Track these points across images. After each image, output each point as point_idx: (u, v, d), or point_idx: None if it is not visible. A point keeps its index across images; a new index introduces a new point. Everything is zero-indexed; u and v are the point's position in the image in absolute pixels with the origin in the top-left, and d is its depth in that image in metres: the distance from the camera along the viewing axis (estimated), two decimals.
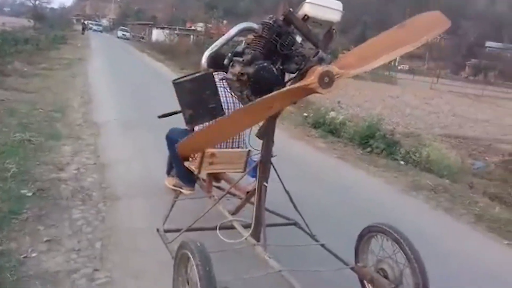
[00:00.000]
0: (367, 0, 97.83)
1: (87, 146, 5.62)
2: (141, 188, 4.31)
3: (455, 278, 3.25)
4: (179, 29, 46.18)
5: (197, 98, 2.49)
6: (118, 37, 53.83)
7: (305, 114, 10.43)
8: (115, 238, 3.32)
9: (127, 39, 52.27)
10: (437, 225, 4.41)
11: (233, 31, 2.73)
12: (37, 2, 60.27)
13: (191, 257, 2.06)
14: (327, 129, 8.74)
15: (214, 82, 2.55)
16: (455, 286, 3.18)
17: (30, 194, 3.86)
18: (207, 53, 2.81)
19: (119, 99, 9.63)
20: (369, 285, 2.62)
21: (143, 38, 52.35)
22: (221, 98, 2.85)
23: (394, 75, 47.98)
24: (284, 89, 2.26)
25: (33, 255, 2.93)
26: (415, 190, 5.35)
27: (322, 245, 2.92)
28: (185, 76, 2.53)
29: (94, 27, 62.99)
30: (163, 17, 71.14)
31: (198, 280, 1.96)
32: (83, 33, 47.68)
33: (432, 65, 75.32)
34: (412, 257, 2.31)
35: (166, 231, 2.99)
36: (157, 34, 44.18)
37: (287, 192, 2.89)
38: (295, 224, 3.19)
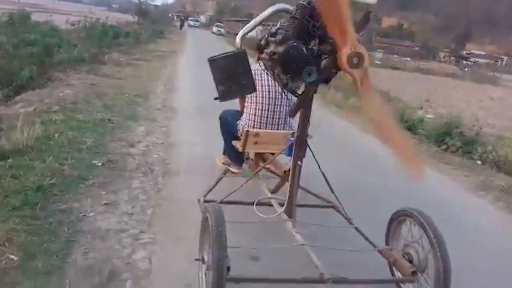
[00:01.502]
0: None
1: (160, 128, 6.02)
2: (200, 166, 4.53)
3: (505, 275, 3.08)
4: (272, 25, 46.70)
5: (229, 75, 2.57)
6: (213, 32, 55.88)
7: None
8: (166, 207, 3.58)
9: (222, 34, 54.01)
10: (497, 225, 4.13)
11: (268, 12, 2.79)
12: (142, 0, 64.61)
13: (209, 217, 2.19)
14: (404, 125, 8.45)
15: (247, 60, 2.61)
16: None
17: (100, 164, 4.26)
18: (241, 33, 2.88)
19: (200, 89, 10.06)
20: (394, 268, 2.59)
21: (237, 34, 53.78)
22: (259, 76, 2.95)
23: (498, 76, 44.62)
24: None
25: (91, 214, 3.27)
26: (484, 190, 5.02)
27: (356, 228, 2.91)
28: (221, 54, 2.62)
29: (191, 23, 66.06)
30: (259, 14, 72.44)
31: (211, 239, 2.09)
32: (181, 29, 50.24)
33: None
34: (435, 242, 2.27)
35: (206, 201, 3.15)
36: None
37: (323, 174, 2.91)
38: (333, 207, 3.19)
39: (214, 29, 57.85)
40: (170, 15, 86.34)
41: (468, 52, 74.08)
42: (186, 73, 12.39)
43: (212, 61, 2.61)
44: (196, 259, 2.42)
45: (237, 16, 75.99)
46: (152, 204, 3.60)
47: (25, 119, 5.00)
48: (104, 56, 12.38)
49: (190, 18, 71.22)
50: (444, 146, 6.89)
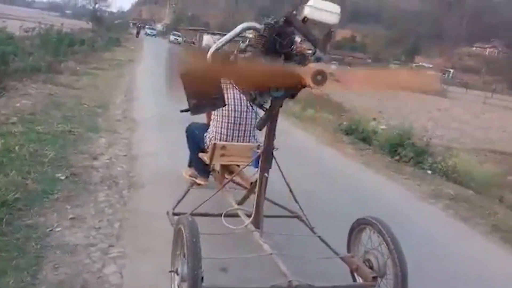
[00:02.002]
0: (422, 10, 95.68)
1: (122, 139, 6.02)
2: (164, 179, 4.60)
3: (451, 277, 3.34)
4: (241, 41, 47.02)
5: (200, 90, 2.69)
6: (170, 41, 55.51)
7: (344, 123, 10.40)
8: (132, 220, 3.62)
9: (179, 43, 53.69)
10: (448, 231, 4.44)
11: (238, 29, 2.86)
12: (97, 6, 63.35)
13: (183, 229, 2.29)
14: (359, 136, 8.81)
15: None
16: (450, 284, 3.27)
17: (63, 177, 4.23)
18: (212, 49, 2.99)
19: (160, 99, 10.07)
20: (356, 274, 2.75)
21: (193, 43, 53.64)
22: (228, 92, 3.08)
23: (445, 88, 46.76)
24: (282, 67, 2.47)
25: (58, 229, 3.26)
26: (435, 198, 5.37)
27: (319, 237, 3.06)
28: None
29: (148, 31, 64.30)
30: (216, 23, 72.64)
31: (185, 250, 2.19)
32: (137, 37, 49.60)
33: (489, 79, 72.62)
34: (393, 248, 2.44)
35: (175, 214, 3.23)
36: (207, 40, 45.07)
37: (288, 185, 3.05)
38: (297, 217, 3.33)
39: (172, 37, 57.46)
40: (130, 22, 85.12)
41: (417, 64, 77.13)
42: (145, 83, 12.32)
43: (184, 75, 2.68)
44: (170, 271, 2.50)
45: (194, 25, 76.10)
46: (119, 218, 3.63)
47: None
48: (60, 65, 12.13)
49: (147, 26, 70.25)
50: (397, 157, 7.25)
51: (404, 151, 7.20)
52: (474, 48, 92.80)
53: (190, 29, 68.50)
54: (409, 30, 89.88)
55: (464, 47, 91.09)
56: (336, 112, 14.93)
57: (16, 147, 4.68)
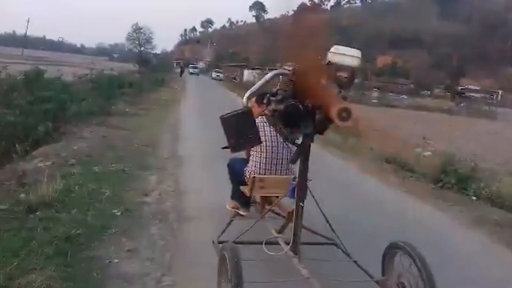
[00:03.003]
0: (463, 33, 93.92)
1: (170, 175, 6.41)
2: (209, 212, 4.89)
3: None
4: (268, 69, 48.12)
5: (238, 130, 2.94)
6: (212, 78, 57.28)
7: (390, 151, 10.39)
8: (182, 251, 3.92)
9: (221, 79, 55.39)
10: (491, 256, 4.44)
11: (268, 76, 3.22)
12: (142, 49, 66.53)
13: (226, 255, 2.54)
14: (401, 164, 8.81)
15: (253, 117, 3.03)
16: None
17: (119, 213, 4.61)
18: (247, 94, 3.26)
19: (204, 137, 10.55)
20: None
21: (235, 79, 55.16)
22: (262, 130, 3.37)
23: (494, 110, 45.36)
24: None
25: (116, 261, 3.59)
26: (479, 224, 5.34)
27: (355, 262, 3.24)
28: (230, 113, 3.02)
29: (191, 70, 66.09)
30: (255, 59, 74.21)
31: (229, 274, 2.43)
32: (181, 76, 51.45)
33: None
34: (423, 270, 2.57)
35: (220, 242, 3.48)
36: (247, 75, 46.46)
37: (323, 214, 3.26)
38: (335, 243, 3.52)
39: (213, 74, 59.39)
40: (173, 62, 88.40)
41: (463, 87, 75.26)
42: (189, 122, 12.92)
43: (223, 119, 3.00)
44: None
45: (235, 61, 77.96)
46: (169, 249, 3.92)
47: (46, 173, 5.38)
48: (111, 107, 12.93)
49: (190, 65, 72.78)
50: (440, 184, 7.22)
51: (447, 178, 7.17)
52: None
53: (231, 65, 70.31)
54: (452, 53, 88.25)
55: (511, 67, 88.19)
56: (380, 140, 14.90)
57: (76, 187, 5.14)
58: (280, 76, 3.22)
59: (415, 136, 18.73)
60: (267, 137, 3.97)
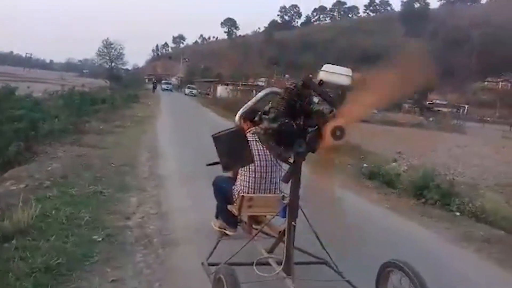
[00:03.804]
0: (430, 50, 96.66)
1: (151, 197, 6.17)
2: (196, 234, 4.72)
3: None
4: (242, 84, 48.32)
5: (231, 149, 2.95)
6: (185, 94, 56.90)
7: (365, 165, 10.52)
8: (171, 279, 3.70)
9: (194, 95, 55.06)
10: (482, 274, 4.40)
11: (260, 94, 3.25)
12: (113, 64, 65.75)
13: (223, 278, 2.48)
14: (382, 180, 8.81)
15: (245, 136, 3.05)
16: None
17: (100, 239, 4.36)
18: (240, 112, 3.33)
19: (181, 152, 10.36)
20: None
21: (208, 94, 55.01)
22: (252, 148, 3.32)
23: (462, 124, 46.59)
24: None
25: None
26: (466, 241, 5.32)
27: (347, 281, 3.19)
28: (222, 131, 3.01)
29: (164, 86, 64.42)
30: (228, 74, 74.35)
31: None
32: (153, 92, 50.89)
33: (504, 112, 72.00)
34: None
35: (210, 264, 3.42)
36: (221, 90, 46.42)
37: (315, 232, 3.23)
38: (326, 263, 3.47)
39: (187, 90, 58.92)
40: (145, 77, 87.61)
41: (431, 102, 77.18)
42: (166, 138, 12.66)
43: (216, 138, 3.00)
44: None
45: (207, 76, 78.01)
46: (158, 278, 3.71)
47: (19, 197, 5.08)
48: (85, 125, 12.57)
49: (163, 81, 71.88)
50: (422, 199, 7.22)
51: (429, 194, 7.19)
52: (486, 83, 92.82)
53: (204, 81, 70.19)
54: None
55: (476, 82, 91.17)
56: (355, 155, 14.96)
57: (53, 211, 4.86)
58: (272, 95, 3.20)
59: (389, 151, 18.97)
60: (256, 155, 3.88)
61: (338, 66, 2.81)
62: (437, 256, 4.71)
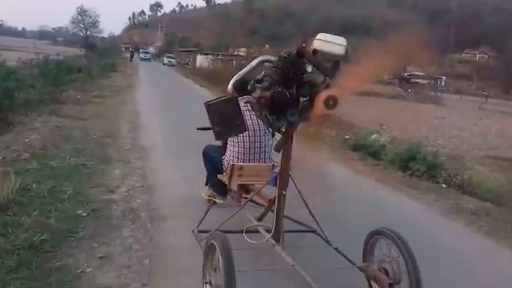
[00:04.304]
0: (410, 21, 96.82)
1: (136, 169, 5.97)
2: (185, 208, 4.58)
3: None
4: (222, 54, 47.47)
5: (223, 117, 2.96)
6: (164, 63, 55.72)
7: (346, 137, 10.51)
8: (161, 255, 3.57)
9: (173, 65, 53.94)
10: (474, 248, 4.41)
11: (254, 62, 3.16)
12: (88, 32, 63.91)
13: (216, 244, 2.47)
14: (367, 152, 8.78)
15: (238, 104, 3.05)
16: None
17: (85, 214, 4.18)
18: (232, 81, 3.25)
19: (164, 123, 10.12)
20: (373, 282, 2.94)
21: (188, 64, 53.99)
22: (245, 117, 3.33)
23: (439, 95, 47.11)
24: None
25: (88, 270, 3.21)
26: (456, 214, 5.33)
27: (335, 249, 3.24)
28: (214, 99, 3.01)
29: (142, 56, 62.84)
30: (207, 44, 73.07)
31: (219, 262, 2.36)
32: (131, 61, 49.76)
33: (481, 85, 73.19)
34: (407, 256, 2.58)
35: (200, 231, 3.46)
36: (201, 60, 45.50)
37: (304, 201, 3.21)
38: (314, 231, 3.48)
39: (165, 60, 57.68)
40: (122, 46, 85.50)
41: (409, 73, 77.70)
42: (147, 109, 12.32)
43: (208, 105, 2.99)
44: (204, 283, 2.71)
45: (186, 46, 76.46)
46: (147, 254, 3.57)
47: None
48: (62, 95, 12.12)
49: (140, 50, 70.18)
50: (409, 172, 7.22)
51: (416, 166, 7.18)
52: (463, 55, 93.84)
53: (183, 51, 68.75)
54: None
55: (453, 54, 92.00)
56: (337, 127, 14.94)
57: (34, 185, 4.64)
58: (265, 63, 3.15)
59: (369, 122, 19.01)
60: (248, 124, 3.80)
61: (333, 35, 2.72)
62: (427, 229, 4.69)
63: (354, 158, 8.34)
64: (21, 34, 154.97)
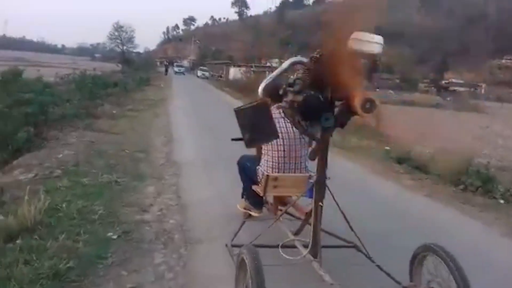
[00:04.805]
0: (446, 28, 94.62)
1: (169, 186, 5.70)
2: (221, 228, 4.23)
3: None
4: (254, 66, 47.47)
5: (254, 123, 2.79)
6: (197, 76, 56.30)
7: (387, 148, 9.99)
8: (196, 286, 3.23)
9: (206, 78, 54.40)
10: None
11: (285, 64, 2.94)
12: (124, 48, 65.49)
13: (245, 259, 2.32)
14: (413, 164, 8.24)
15: (269, 110, 2.86)
16: None
17: (115, 237, 3.91)
18: (263, 85, 3.02)
19: (198, 136, 9.90)
20: None
21: (221, 77, 54.26)
22: (279, 124, 3.21)
23: (480, 103, 45.45)
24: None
25: None
26: None
27: (378, 266, 2.99)
28: (245, 105, 2.85)
29: (176, 69, 63.30)
30: (239, 56, 73.44)
31: (250, 279, 2.20)
32: (166, 74, 50.47)
33: None
34: (458, 275, 2.33)
35: (233, 246, 3.30)
36: (234, 72, 45.65)
37: (343, 213, 3.04)
38: (355, 246, 3.25)
39: (199, 73, 58.32)
40: (156, 60, 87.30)
41: (447, 81, 75.62)
42: (181, 122, 12.18)
43: (238, 111, 2.82)
44: None
45: (219, 59, 77.11)
46: (181, 283, 3.24)
47: (28, 188, 4.62)
48: (97, 109, 12.13)
49: (175, 64, 71.24)
50: (461, 186, 6.65)
51: (469, 180, 6.60)
52: (504, 61, 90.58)
53: (216, 63, 69.34)
54: (435, 48, 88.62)
55: (493, 60, 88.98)
56: (376, 137, 14.37)
57: (64, 205, 4.42)
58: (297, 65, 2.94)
59: (412, 132, 18.29)
60: (282, 132, 3.63)
61: (369, 33, 2.51)
62: (490, 252, 4.17)
63: (399, 171, 7.81)
64: (60, 51, 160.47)
